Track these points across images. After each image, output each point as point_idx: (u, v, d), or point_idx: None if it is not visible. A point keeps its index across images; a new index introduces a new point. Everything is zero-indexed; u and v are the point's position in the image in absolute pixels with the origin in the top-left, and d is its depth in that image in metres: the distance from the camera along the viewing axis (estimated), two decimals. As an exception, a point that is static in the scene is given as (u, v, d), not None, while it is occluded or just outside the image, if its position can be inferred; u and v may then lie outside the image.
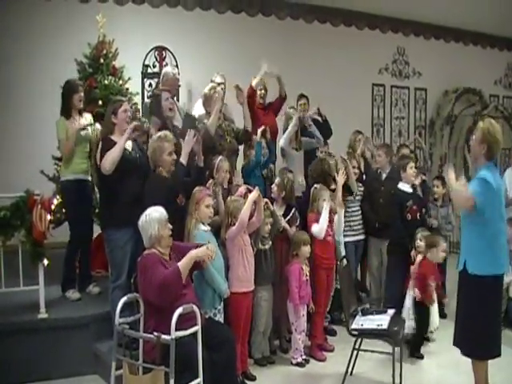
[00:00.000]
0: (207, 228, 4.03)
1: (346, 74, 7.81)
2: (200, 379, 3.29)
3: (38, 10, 6.24)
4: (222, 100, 5.15)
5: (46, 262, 4.32)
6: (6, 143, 5.95)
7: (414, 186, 5.29)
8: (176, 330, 3.21)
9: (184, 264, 3.45)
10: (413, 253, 4.95)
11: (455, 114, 8.58)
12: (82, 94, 4.87)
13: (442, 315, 5.63)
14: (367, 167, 6.13)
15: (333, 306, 5.10)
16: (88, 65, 5.52)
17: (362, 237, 5.61)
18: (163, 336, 3.18)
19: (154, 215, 3.52)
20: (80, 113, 4.86)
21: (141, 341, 3.47)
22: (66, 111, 4.80)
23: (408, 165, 5.14)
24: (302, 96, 6.33)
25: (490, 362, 4.17)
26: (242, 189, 4.53)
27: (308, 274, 4.57)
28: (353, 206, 5.55)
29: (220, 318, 4.04)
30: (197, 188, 4.13)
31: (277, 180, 4.92)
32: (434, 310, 4.98)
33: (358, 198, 5.59)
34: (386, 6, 7.67)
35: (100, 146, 4.13)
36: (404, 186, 5.16)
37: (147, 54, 6.87)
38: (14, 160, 5.87)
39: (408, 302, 4.93)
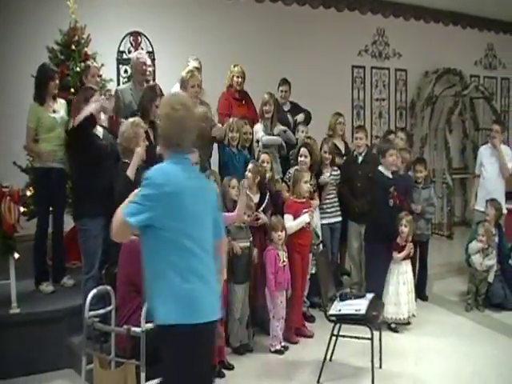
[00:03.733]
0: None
1: (326, 57, 7.70)
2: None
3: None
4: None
5: (16, 255, 4.25)
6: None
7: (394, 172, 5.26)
8: (137, 320, 3.18)
9: None
10: (399, 239, 4.93)
11: (436, 95, 8.52)
12: (58, 82, 4.79)
13: (422, 297, 5.69)
14: (347, 150, 6.09)
15: (312, 291, 5.12)
16: (60, 52, 5.38)
17: (337, 219, 5.58)
18: (133, 328, 3.14)
19: None
20: (54, 98, 4.77)
21: (113, 334, 3.43)
22: (41, 97, 4.70)
23: (387, 152, 5.07)
24: (284, 81, 6.23)
25: (471, 346, 4.21)
26: None
27: (286, 259, 4.55)
28: (326, 190, 5.50)
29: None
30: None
31: (250, 166, 4.86)
32: (410, 295, 4.98)
33: (331, 181, 5.53)
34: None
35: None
36: (385, 171, 5.12)
37: (122, 39, 6.71)
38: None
39: (390, 289, 4.93)
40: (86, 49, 5.44)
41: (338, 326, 4.07)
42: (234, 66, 5.97)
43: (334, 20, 7.82)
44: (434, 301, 5.76)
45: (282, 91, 6.22)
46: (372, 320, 3.97)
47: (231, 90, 5.96)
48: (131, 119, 4.16)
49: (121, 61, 6.71)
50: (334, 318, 4.04)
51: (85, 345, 3.36)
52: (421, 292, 5.69)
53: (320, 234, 5.21)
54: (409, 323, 5.06)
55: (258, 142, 5.61)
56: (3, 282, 4.25)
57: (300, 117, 6.05)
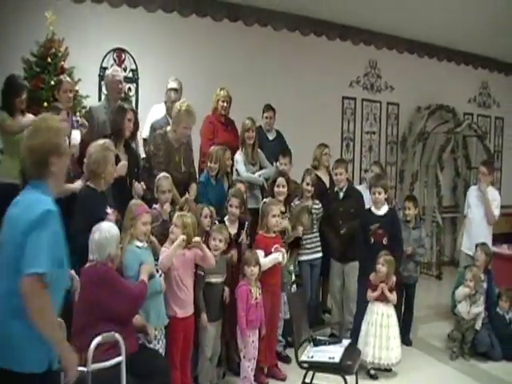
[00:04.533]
0: (142, 244, 3.66)
1: (316, 86, 7.50)
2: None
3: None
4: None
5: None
6: None
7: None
8: (98, 359, 2.92)
9: (146, 279, 3.44)
10: (372, 276, 4.65)
11: (428, 131, 8.32)
12: (24, 97, 4.53)
13: (406, 342, 5.36)
14: (332, 183, 5.81)
15: (288, 330, 4.78)
16: (35, 64, 5.14)
17: (317, 255, 5.28)
18: (79, 368, 2.82)
19: (114, 234, 3.31)
20: (22, 113, 4.51)
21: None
22: (9, 109, 4.46)
23: (371, 188, 4.89)
24: (268, 108, 6.01)
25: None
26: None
27: (259, 296, 4.23)
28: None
29: (162, 343, 3.74)
30: (133, 201, 3.80)
31: (233, 200, 4.59)
32: (395, 341, 4.66)
33: (312, 216, 5.25)
34: (359, 17, 7.40)
35: None
36: (373, 207, 4.87)
37: (105, 55, 6.49)
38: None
39: (363, 328, 4.62)
40: (62, 62, 5.20)
41: (311, 372, 3.75)
42: (221, 90, 5.75)
43: (325, 49, 7.65)
44: (418, 346, 5.44)
45: (266, 117, 6.01)
46: (346, 369, 3.66)
47: (216, 114, 5.73)
48: (101, 141, 3.91)
49: (103, 77, 6.45)
50: (305, 365, 3.72)
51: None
52: (404, 336, 5.35)
53: (292, 271, 4.89)
54: (390, 370, 4.73)
55: (237, 171, 5.38)
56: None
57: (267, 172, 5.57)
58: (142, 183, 4.39)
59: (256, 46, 7.18)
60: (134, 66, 6.67)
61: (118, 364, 2.99)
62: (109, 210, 3.72)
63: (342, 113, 8.04)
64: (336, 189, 5.45)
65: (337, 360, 3.63)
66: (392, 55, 8.30)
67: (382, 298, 4.65)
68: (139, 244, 3.64)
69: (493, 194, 5.96)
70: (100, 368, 2.88)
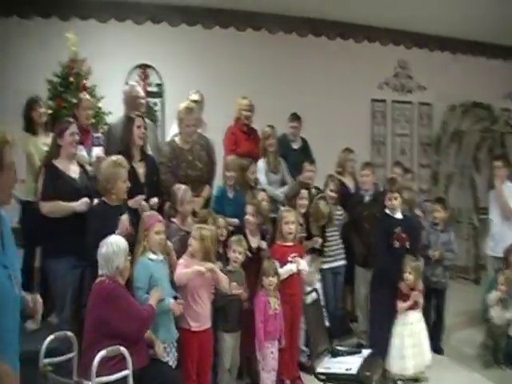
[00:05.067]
0: (156, 257, 3.68)
1: (343, 90, 7.40)
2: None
3: (12, 29, 6.08)
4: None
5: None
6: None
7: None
8: (105, 372, 2.98)
9: (154, 305, 3.41)
10: (401, 284, 4.50)
11: (462, 130, 8.04)
12: (42, 111, 4.75)
13: (437, 350, 5.19)
14: (357, 189, 5.71)
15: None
16: (59, 84, 5.32)
17: (340, 263, 5.20)
18: (84, 382, 2.89)
19: (122, 246, 3.34)
20: (46, 126, 4.73)
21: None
22: (29, 128, 4.70)
23: (387, 194, 4.71)
24: (294, 118, 5.95)
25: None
26: None
27: (278, 306, 4.19)
28: (329, 230, 5.13)
29: (173, 356, 3.72)
30: (146, 213, 3.84)
31: (249, 207, 4.57)
32: (425, 344, 4.53)
33: (335, 222, 5.18)
34: (386, 17, 7.24)
35: (43, 172, 3.93)
36: (390, 211, 4.73)
37: (130, 72, 6.64)
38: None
39: (396, 341, 4.48)
40: (84, 81, 5.35)
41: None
42: (243, 99, 5.74)
43: (352, 51, 7.56)
44: (450, 354, 5.22)
45: (292, 127, 5.94)
46: (364, 380, 3.56)
47: (239, 124, 5.73)
48: (114, 157, 3.99)
49: (128, 94, 6.62)
50: (322, 377, 3.66)
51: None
52: (435, 345, 5.17)
53: (316, 283, 4.83)
54: (417, 380, 4.58)
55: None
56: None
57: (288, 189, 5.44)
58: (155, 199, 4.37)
59: (280, 54, 7.19)
60: (158, 81, 6.80)
61: (126, 377, 3.03)
62: (123, 217, 3.77)
63: (371, 116, 7.91)
64: (361, 192, 5.35)
65: (354, 371, 3.56)
66: (423, 54, 8.08)
67: (413, 306, 4.53)
68: (153, 256, 3.65)
69: (510, 188, 5.66)
70: (104, 382, 2.92)
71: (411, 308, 4.50)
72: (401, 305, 4.49)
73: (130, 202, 4.02)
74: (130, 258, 3.42)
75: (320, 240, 4.84)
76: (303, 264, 4.48)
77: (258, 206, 4.54)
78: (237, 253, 4.18)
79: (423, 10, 6.88)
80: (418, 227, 5.04)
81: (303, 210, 4.85)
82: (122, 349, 3.01)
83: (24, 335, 4.18)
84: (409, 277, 4.45)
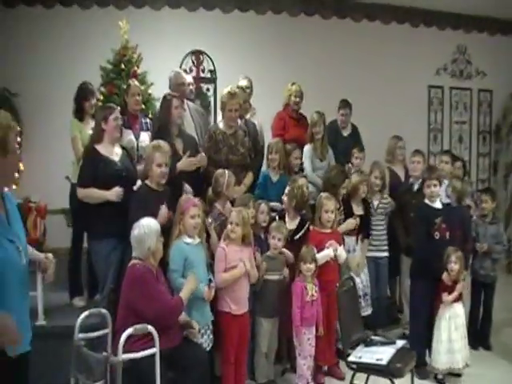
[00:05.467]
0: (192, 240, 3.77)
1: (399, 76, 7.24)
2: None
3: (72, 18, 6.33)
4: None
5: (44, 268, 4.30)
6: (37, 149, 6.05)
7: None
8: (134, 350, 3.10)
9: (186, 296, 3.47)
10: (445, 276, 4.37)
11: (525, 118, 7.69)
12: (94, 101, 4.89)
13: (485, 346, 5.04)
14: (407, 178, 5.58)
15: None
16: (111, 71, 5.47)
17: (383, 254, 5.11)
18: (112, 358, 3.02)
19: (154, 228, 3.43)
20: (93, 117, 4.78)
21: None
22: (79, 114, 4.85)
23: (425, 182, 4.56)
24: (345, 104, 5.88)
25: None
26: None
27: (315, 293, 4.19)
28: (374, 219, 5.08)
29: (208, 338, 3.82)
30: (183, 197, 3.94)
31: (286, 189, 4.58)
32: (463, 341, 4.39)
33: (379, 210, 5.11)
34: (444, 0, 6.99)
35: (83, 157, 4.09)
36: (429, 201, 4.57)
37: (184, 58, 6.76)
38: (42, 167, 5.94)
39: (443, 336, 4.35)
40: (136, 68, 5.49)
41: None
42: (292, 85, 5.72)
43: (408, 36, 7.37)
44: (498, 351, 5.05)
45: (342, 114, 5.88)
46: (395, 372, 3.50)
47: (288, 109, 5.73)
48: (154, 142, 4.13)
49: (181, 79, 6.75)
50: (354, 366, 3.64)
51: (73, 367, 3.26)
52: (484, 340, 5.06)
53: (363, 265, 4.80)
54: (459, 375, 4.47)
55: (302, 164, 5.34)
56: (32, 293, 4.32)
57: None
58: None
59: (333, 39, 7.12)
60: (211, 67, 6.89)
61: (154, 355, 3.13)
62: (162, 206, 3.87)
63: (428, 103, 7.69)
64: (411, 180, 5.23)
65: (384, 362, 3.50)
66: (483, 38, 7.77)
67: (456, 299, 4.40)
68: (188, 240, 3.75)
69: None
70: (132, 358, 3.05)
71: (456, 300, 4.38)
72: (446, 297, 4.34)
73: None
74: (162, 239, 3.48)
75: (354, 221, 4.77)
76: (340, 250, 4.46)
77: (293, 190, 4.50)
78: (276, 239, 4.22)
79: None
80: (464, 218, 4.86)
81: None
82: (150, 327, 3.10)
83: (71, 312, 4.47)
84: (454, 267, 4.31)
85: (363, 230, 4.97)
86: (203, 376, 3.49)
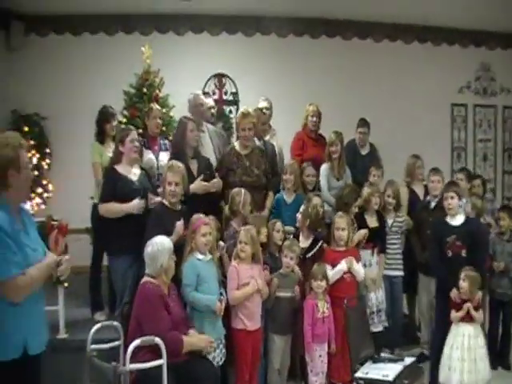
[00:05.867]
0: (203, 257, 3.89)
1: (421, 95, 7.27)
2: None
3: (98, 45, 6.66)
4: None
5: (65, 284, 4.47)
6: (64, 169, 6.34)
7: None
8: (143, 361, 3.21)
9: (189, 343, 3.49)
10: (453, 293, 4.32)
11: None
12: (115, 123, 5.10)
13: (505, 366, 4.95)
14: (427, 196, 5.56)
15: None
16: (134, 95, 5.70)
17: (397, 273, 5.07)
18: (120, 367, 3.13)
19: (166, 246, 3.58)
20: (114, 138, 4.96)
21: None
22: (100, 137, 5.07)
23: (443, 194, 4.54)
24: (363, 123, 5.92)
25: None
26: None
27: (326, 310, 4.24)
28: (388, 238, 5.06)
29: (220, 353, 3.90)
30: (194, 216, 4.04)
31: (301, 208, 4.65)
32: (481, 363, 4.22)
33: (394, 229, 5.09)
34: (466, 18, 6.99)
35: (104, 176, 4.27)
36: (448, 218, 4.56)
37: (207, 81, 6.97)
38: (69, 187, 6.22)
39: (447, 351, 4.31)
40: (157, 91, 5.70)
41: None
42: (310, 105, 5.82)
43: (430, 55, 7.39)
44: (518, 371, 4.96)
45: (360, 133, 5.91)
46: (401, 389, 3.52)
47: (306, 130, 5.81)
48: (168, 162, 4.29)
49: (205, 102, 6.94)
50: (361, 382, 3.67)
51: (85, 377, 3.40)
52: (503, 359, 4.97)
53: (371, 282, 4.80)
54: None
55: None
56: (52, 307, 4.49)
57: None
58: None
59: (355, 60, 7.21)
60: (234, 90, 7.07)
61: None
62: (178, 222, 4.00)
63: (451, 121, 7.64)
64: (428, 198, 5.22)
65: (390, 378, 3.53)
66: (507, 55, 7.69)
67: (468, 318, 4.28)
68: (200, 256, 3.87)
69: None
70: (139, 368, 3.16)
71: (465, 320, 4.30)
72: (453, 314, 4.29)
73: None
74: (174, 257, 3.60)
75: (364, 231, 4.77)
76: (358, 267, 4.48)
77: (308, 209, 4.56)
78: (288, 258, 4.28)
79: (506, 9, 6.57)
80: (481, 235, 4.81)
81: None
82: (157, 339, 3.21)
83: (91, 326, 4.60)
84: (462, 284, 4.25)
85: (378, 242, 4.96)
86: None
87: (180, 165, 4.18)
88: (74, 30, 6.66)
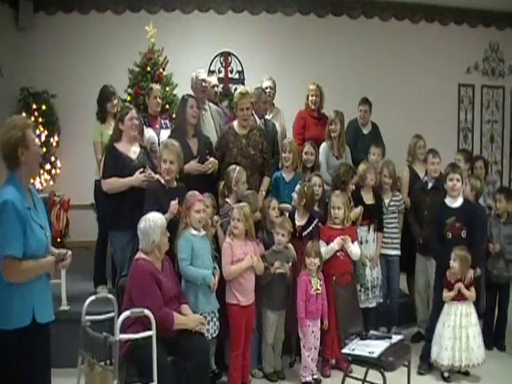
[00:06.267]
0: (197, 233, 4.00)
1: (428, 75, 7.23)
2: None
3: (105, 23, 6.73)
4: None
5: (68, 258, 4.64)
6: (72, 146, 6.48)
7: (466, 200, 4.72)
8: (133, 331, 3.37)
9: (179, 321, 3.57)
10: (447, 273, 4.39)
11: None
12: (116, 102, 5.17)
13: (500, 347, 5.01)
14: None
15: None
16: (138, 73, 5.77)
17: (394, 252, 5.12)
18: (111, 337, 3.27)
19: (159, 222, 3.67)
20: (114, 116, 5.01)
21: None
22: (101, 116, 5.14)
23: (447, 176, 4.56)
24: (364, 101, 5.95)
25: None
26: None
27: (320, 287, 4.33)
28: (385, 217, 5.10)
29: (214, 325, 4.03)
30: (189, 193, 4.13)
31: (297, 187, 4.71)
32: (473, 341, 4.34)
33: (391, 208, 5.14)
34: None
35: (105, 154, 4.38)
36: (448, 200, 4.59)
37: (213, 59, 7.00)
38: (76, 164, 6.35)
39: (439, 329, 4.41)
40: (161, 70, 5.76)
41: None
42: (311, 84, 5.84)
43: (437, 35, 7.33)
44: None
45: (361, 111, 5.94)
46: (385, 365, 3.55)
47: (308, 109, 5.85)
48: (166, 140, 4.39)
49: (210, 80, 6.99)
50: (349, 358, 3.75)
51: (80, 347, 3.54)
52: (498, 340, 5.03)
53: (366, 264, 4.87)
54: (467, 373, 4.48)
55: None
56: (56, 281, 4.66)
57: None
58: None
59: (362, 39, 7.19)
60: (239, 68, 7.10)
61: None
62: (172, 202, 4.10)
63: (458, 101, 7.59)
64: (425, 178, 5.24)
65: (375, 355, 3.59)
66: (517, 35, 7.59)
67: (459, 298, 4.37)
68: (194, 232, 3.97)
69: None
70: (128, 339, 3.31)
71: (457, 299, 4.37)
72: (445, 293, 4.37)
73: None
74: (167, 234, 3.69)
75: (359, 209, 4.80)
76: (353, 246, 4.54)
77: (303, 188, 4.61)
78: (280, 235, 4.37)
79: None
80: (479, 217, 4.82)
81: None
82: (146, 311, 3.32)
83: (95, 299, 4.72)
84: (453, 264, 4.31)
85: (374, 219, 5.00)
86: (203, 363, 3.68)
87: (175, 143, 4.26)
88: (81, 8, 6.72)
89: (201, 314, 3.88)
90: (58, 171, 6.70)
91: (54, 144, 6.70)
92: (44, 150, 6.48)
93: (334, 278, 3.99)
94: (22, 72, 6.54)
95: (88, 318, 3.57)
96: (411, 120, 6.84)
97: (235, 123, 5.01)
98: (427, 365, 4.52)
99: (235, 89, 7.09)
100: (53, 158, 6.66)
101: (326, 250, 4.43)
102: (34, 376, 2.70)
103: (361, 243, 4.84)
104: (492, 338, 4.98)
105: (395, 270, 5.18)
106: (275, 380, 4.42)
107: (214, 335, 4.07)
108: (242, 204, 4.22)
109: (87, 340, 3.47)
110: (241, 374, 4.18)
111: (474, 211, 4.68)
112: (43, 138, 6.44)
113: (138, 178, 4.24)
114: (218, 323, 4.07)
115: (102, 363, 3.36)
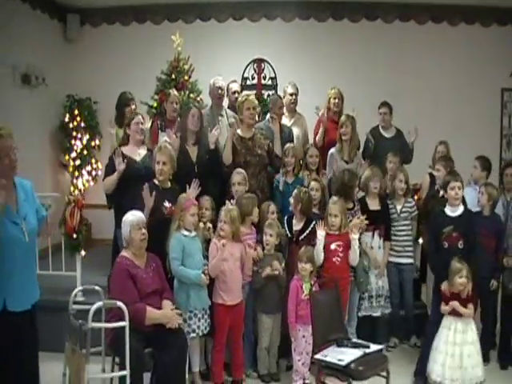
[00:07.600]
0: (189, 233, 4.19)
1: (469, 79, 6.96)
2: (126, 372, 3.53)
3: (139, 33, 7.16)
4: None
5: (83, 252, 5.00)
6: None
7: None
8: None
9: (152, 316, 3.74)
10: (444, 286, 4.23)
11: None
12: (134, 107, 5.49)
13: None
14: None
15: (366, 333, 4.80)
16: (165, 80, 6.07)
17: (406, 260, 5.02)
18: (84, 325, 3.53)
19: (129, 218, 3.94)
20: None
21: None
22: (119, 120, 5.47)
23: (449, 184, 4.41)
24: (383, 104, 5.92)
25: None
26: None
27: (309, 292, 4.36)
28: (397, 224, 5.03)
29: (205, 322, 4.20)
30: (183, 195, 4.34)
31: (294, 192, 4.77)
32: (471, 360, 4.09)
33: (403, 215, 5.04)
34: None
35: (109, 157, 4.69)
36: (448, 209, 4.45)
37: (246, 66, 7.16)
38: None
39: (435, 342, 4.24)
40: (186, 77, 6.02)
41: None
42: (332, 89, 5.90)
43: (478, 37, 7.01)
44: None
45: (381, 113, 5.89)
46: (353, 374, 3.55)
47: (329, 113, 5.88)
48: (160, 143, 4.64)
49: (245, 87, 7.14)
50: (320, 364, 3.78)
51: (67, 333, 3.76)
52: (506, 355, 4.78)
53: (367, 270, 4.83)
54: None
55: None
56: (71, 273, 5.05)
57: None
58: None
59: (399, 43, 7.09)
60: (272, 74, 7.20)
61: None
62: (166, 204, 4.32)
63: (501, 107, 7.22)
64: (437, 186, 5.08)
65: (343, 363, 3.57)
66: None
67: (457, 313, 4.17)
68: (186, 233, 4.17)
69: None
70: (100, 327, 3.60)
71: (454, 314, 4.17)
72: (443, 307, 4.21)
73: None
74: (143, 231, 3.86)
75: (358, 220, 4.72)
76: (351, 252, 4.58)
77: (300, 193, 4.65)
78: (268, 235, 4.46)
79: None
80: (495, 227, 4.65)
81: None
82: (119, 303, 3.55)
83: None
84: (458, 280, 4.10)
85: (380, 225, 4.95)
86: (180, 357, 3.84)
87: (168, 146, 4.48)
88: (124, 20, 7.15)
89: (191, 312, 4.09)
90: (100, 173, 7.15)
91: (96, 147, 7.17)
92: (85, 152, 7.02)
93: (312, 282, 4.03)
94: (68, 80, 7.07)
95: (75, 307, 3.86)
96: (455, 125, 6.67)
97: (239, 129, 5.12)
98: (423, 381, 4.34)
99: (268, 95, 7.27)
100: (93, 160, 7.13)
101: (317, 247, 4.47)
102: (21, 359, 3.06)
103: (365, 251, 4.82)
104: (510, 357, 4.76)
105: (408, 279, 5.06)
106: (268, 381, 4.49)
107: (205, 332, 4.23)
108: (230, 207, 4.35)
109: (71, 327, 3.75)
110: (222, 370, 4.32)
111: (472, 221, 4.48)
112: (85, 142, 6.94)
113: (119, 166, 4.48)
114: (208, 320, 4.24)
115: (80, 349, 3.60)
